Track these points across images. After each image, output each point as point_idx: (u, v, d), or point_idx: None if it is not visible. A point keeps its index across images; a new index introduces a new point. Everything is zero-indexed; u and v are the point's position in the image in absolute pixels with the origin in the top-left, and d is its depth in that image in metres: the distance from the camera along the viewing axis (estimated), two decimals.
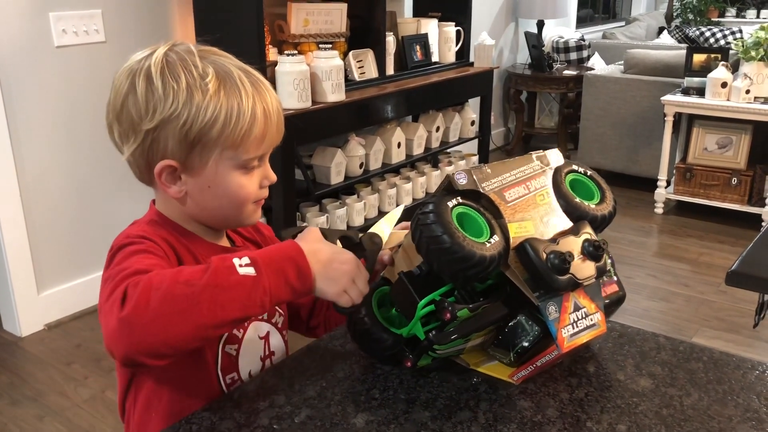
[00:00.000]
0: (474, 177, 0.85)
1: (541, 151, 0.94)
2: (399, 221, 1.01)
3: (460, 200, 0.83)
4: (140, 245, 0.85)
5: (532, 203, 0.88)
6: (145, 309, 0.72)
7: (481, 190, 0.85)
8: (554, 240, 0.84)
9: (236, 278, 0.76)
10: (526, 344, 0.88)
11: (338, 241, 0.90)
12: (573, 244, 0.84)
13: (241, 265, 0.77)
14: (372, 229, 0.96)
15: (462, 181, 0.84)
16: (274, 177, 0.95)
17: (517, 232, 0.84)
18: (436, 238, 0.78)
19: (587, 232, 0.86)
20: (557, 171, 0.92)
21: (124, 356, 0.73)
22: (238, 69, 0.90)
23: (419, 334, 0.86)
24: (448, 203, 0.81)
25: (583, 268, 0.84)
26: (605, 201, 0.93)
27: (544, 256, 0.81)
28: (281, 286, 0.79)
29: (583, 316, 0.86)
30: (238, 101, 0.87)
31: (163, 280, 0.74)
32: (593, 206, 0.91)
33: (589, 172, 0.95)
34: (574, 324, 0.84)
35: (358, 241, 0.92)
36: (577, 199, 0.91)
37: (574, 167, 0.94)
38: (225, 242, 1.01)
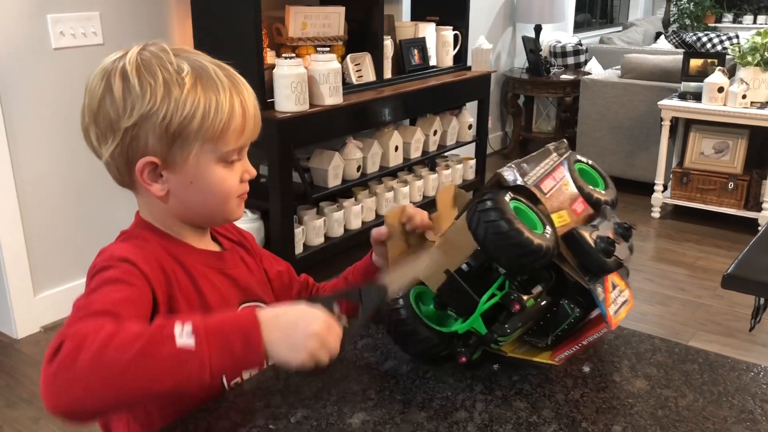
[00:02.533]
0: (517, 173, 0.88)
1: (554, 143, 0.98)
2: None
3: (512, 195, 0.85)
4: (117, 270, 0.84)
5: (561, 193, 0.91)
6: (67, 370, 0.70)
7: (524, 185, 0.87)
8: (594, 226, 0.88)
9: (170, 350, 0.72)
10: (566, 327, 0.91)
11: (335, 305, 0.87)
12: (608, 228, 0.88)
13: (181, 335, 0.73)
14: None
15: (510, 177, 0.86)
16: (254, 171, 0.97)
17: (558, 222, 0.87)
18: (505, 234, 0.80)
19: (613, 215, 0.91)
20: (568, 161, 0.96)
21: (51, 412, 0.71)
22: (212, 64, 0.91)
23: (481, 329, 0.87)
24: (506, 198, 0.83)
25: (620, 249, 0.88)
26: (609, 188, 0.98)
27: (592, 242, 0.84)
28: (225, 359, 0.75)
29: (619, 293, 0.90)
30: (215, 94, 0.88)
31: (95, 341, 0.71)
32: (603, 192, 0.96)
33: (590, 162, 1.00)
34: (615, 302, 0.89)
35: (357, 299, 0.89)
36: (590, 187, 0.95)
37: (579, 157, 0.99)
38: (213, 246, 1.01)
